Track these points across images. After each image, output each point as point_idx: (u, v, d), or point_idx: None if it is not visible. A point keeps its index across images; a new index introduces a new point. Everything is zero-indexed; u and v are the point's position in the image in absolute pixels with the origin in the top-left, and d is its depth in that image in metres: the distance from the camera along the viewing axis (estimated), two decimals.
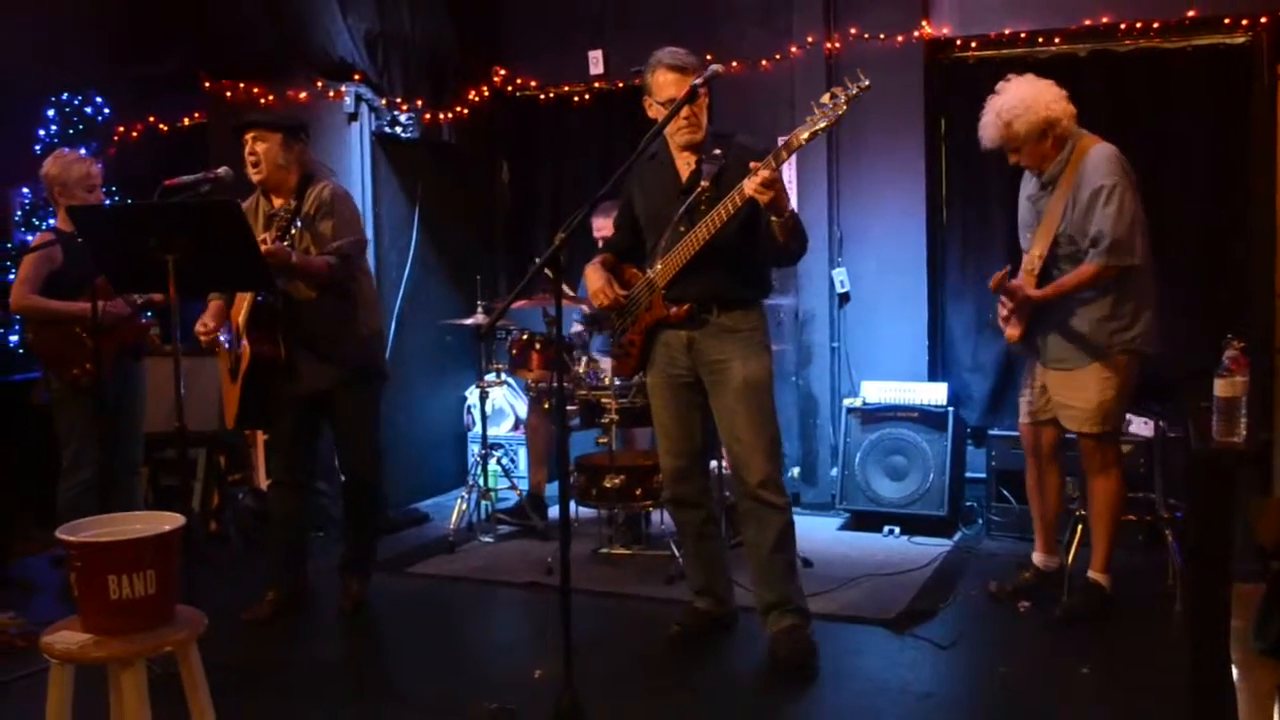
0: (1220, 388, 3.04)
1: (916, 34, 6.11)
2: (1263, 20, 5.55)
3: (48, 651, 2.81)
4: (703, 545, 4.36)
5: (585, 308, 5.98)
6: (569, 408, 5.45)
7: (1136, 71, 5.88)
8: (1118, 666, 3.98)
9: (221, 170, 4.48)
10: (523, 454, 6.69)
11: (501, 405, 7.04)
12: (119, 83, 7.20)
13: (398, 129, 6.43)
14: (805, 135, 3.63)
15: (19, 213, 6.96)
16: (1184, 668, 3.24)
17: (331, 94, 6.19)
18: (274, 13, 6.03)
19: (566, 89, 7.18)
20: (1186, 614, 4.20)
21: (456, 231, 7.09)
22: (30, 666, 3.87)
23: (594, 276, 4.20)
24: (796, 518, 4.18)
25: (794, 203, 3.93)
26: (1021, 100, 4.23)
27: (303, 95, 6.21)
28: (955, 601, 4.74)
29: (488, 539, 5.90)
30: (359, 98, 6.21)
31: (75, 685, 2.88)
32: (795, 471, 6.42)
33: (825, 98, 3.62)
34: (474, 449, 6.52)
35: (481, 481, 6.03)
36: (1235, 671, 2.90)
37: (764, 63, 6.47)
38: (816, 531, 5.84)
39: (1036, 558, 4.71)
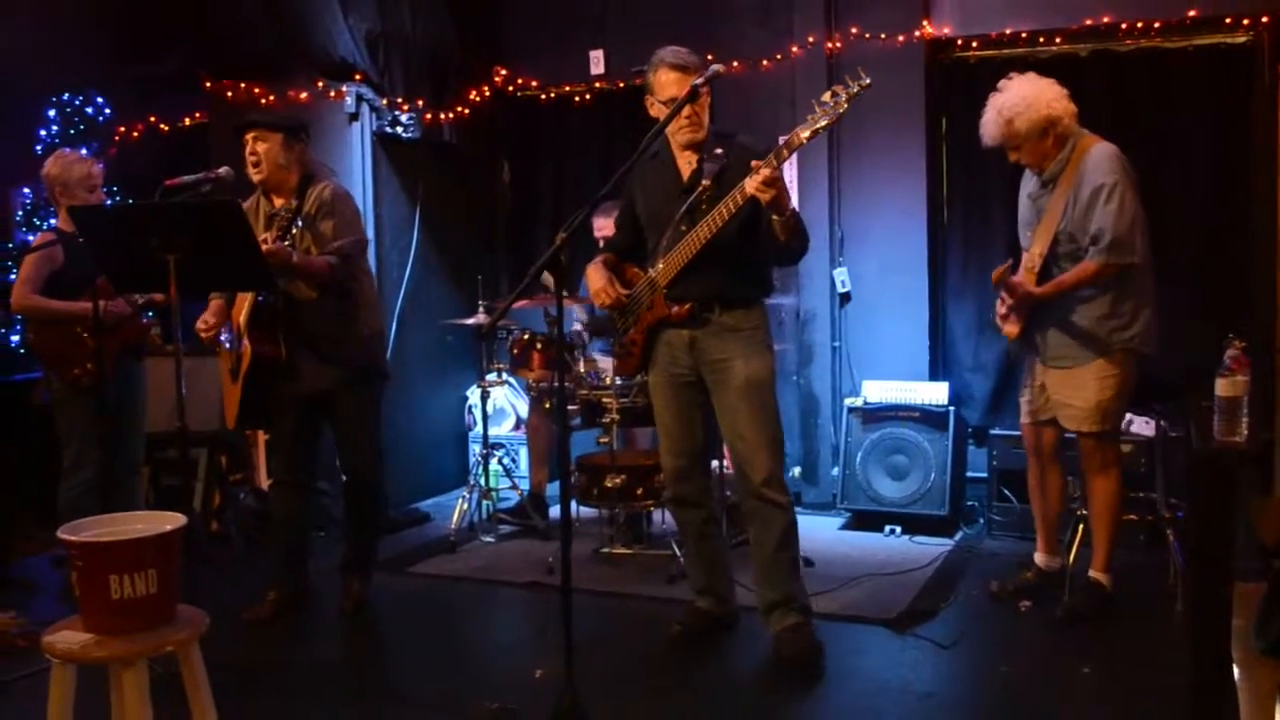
0: (1222, 387, 3.04)
1: (917, 34, 6.11)
2: (1264, 20, 5.55)
3: (49, 651, 2.82)
4: (704, 545, 4.36)
5: (582, 319, 5.99)
6: (570, 407, 5.45)
7: (1137, 71, 5.88)
8: (1119, 666, 3.98)
9: (222, 170, 4.49)
10: (524, 454, 6.69)
11: (503, 405, 7.04)
12: (120, 83, 7.20)
13: (399, 129, 6.43)
14: (806, 134, 3.63)
15: (20, 213, 6.97)
16: (1185, 667, 3.24)
17: (332, 94, 6.19)
18: (275, 13, 6.03)
19: (567, 89, 7.18)
20: (1188, 613, 4.20)
21: (457, 231, 7.09)
22: (32, 666, 3.86)
23: (595, 276, 4.20)
24: (797, 517, 4.17)
25: (795, 202, 3.93)
26: (1023, 98, 4.24)
27: (304, 95, 6.21)
28: (956, 601, 4.74)
29: (489, 539, 5.90)
30: (360, 98, 6.21)
31: (77, 685, 2.88)
32: (796, 471, 6.42)
33: (826, 96, 3.62)
34: (475, 449, 6.52)
35: (483, 481, 6.03)
36: (1236, 671, 2.90)
37: (765, 62, 6.47)
38: (817, 531, 5.83)
39: (1038, 558, 4.71)
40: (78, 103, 6.97)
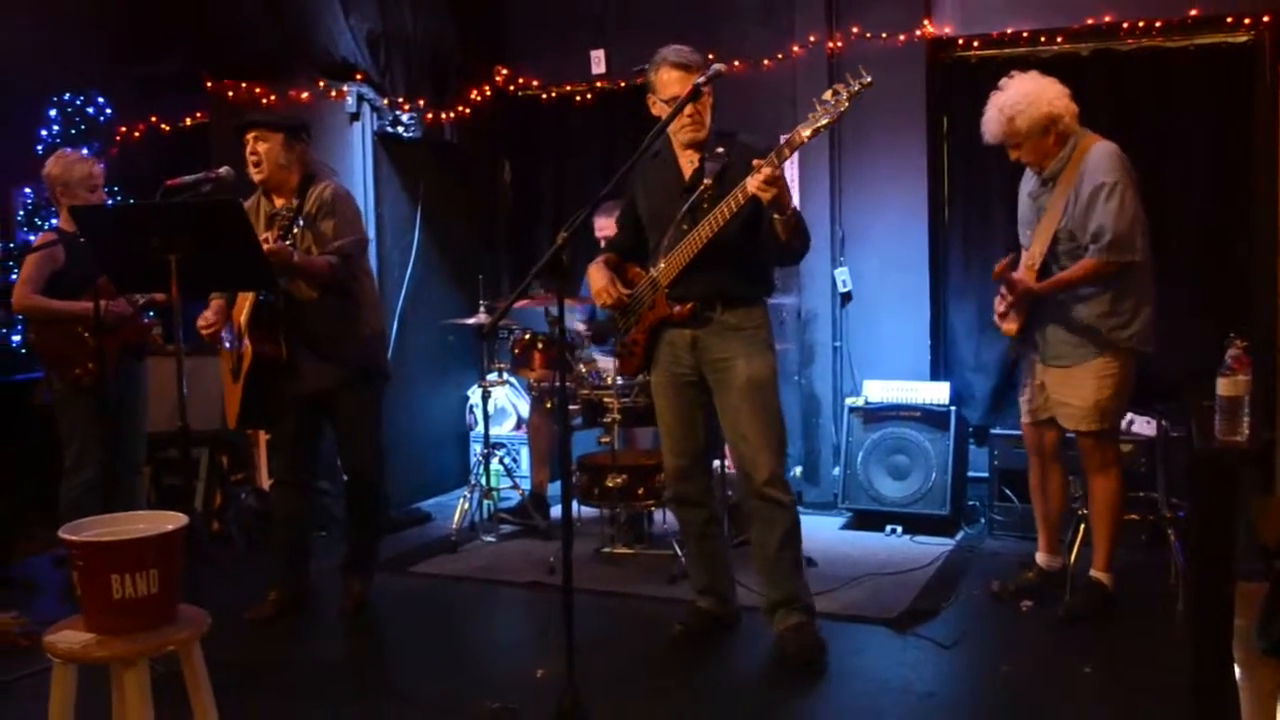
0: (1223, 387, 3.04)
1: (918, 33, 6.11)
2: (1265, 19, 5.55)
3: (50, 651, 2.82)
4: (705, 545, 4.36)
5: (583, 324, 5.98)
6: (571, 407, 5.45)
7: (1139, 70, 5.88)
8: (1120, 666, 3.98)
9: (223, 170, 4.49)
10: (525, 453, 6.69)
11: (504, 405, 7.04)
12: (121, 83, 7.20)
13: (400, 129, 6.43)
14: (808, 132, 3.63)
15: (21, 212, 6.97)
16: (1187, 667, 3.24)
17: (334, 94, 6.19)
18: (276, 12, 6.04)
19: (568, 88, 7.18)
20: (1189, 613, 4.20)
21: (459, 231, 7.09)
22: (33, 666, 3.87)
23: (597, 276, 4.20)
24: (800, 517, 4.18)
25: (796, 201, 3.93)
26: (1025, 96, 4.24)
27: (305, 95, 6.21)
28: (957, 601, 4.74)
29: (490, 538, 5.90)
30: (361, 97, 6.21)
31: (78, 685, 2.88)
32: (798, 471, 6.41)
33: (828, 94, 3.62)
34: (476, 448, 6.52)
35: (484, 481, 6.03)
36: (1238, 671, 2.90)
37: (766, 62, 6.47)
38: (819, 531, 5.83)
39: (1040, 557, 4.71)
40: (79, 102, 6.96)
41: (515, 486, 6.28)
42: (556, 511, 6.01)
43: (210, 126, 6.66)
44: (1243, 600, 3.00)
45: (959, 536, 5.73)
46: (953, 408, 5.87)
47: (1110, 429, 4.37)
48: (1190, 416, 3.46)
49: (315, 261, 4.42)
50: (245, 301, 4.50)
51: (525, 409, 6.85)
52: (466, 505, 5.99)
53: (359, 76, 6.19)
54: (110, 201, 5.64)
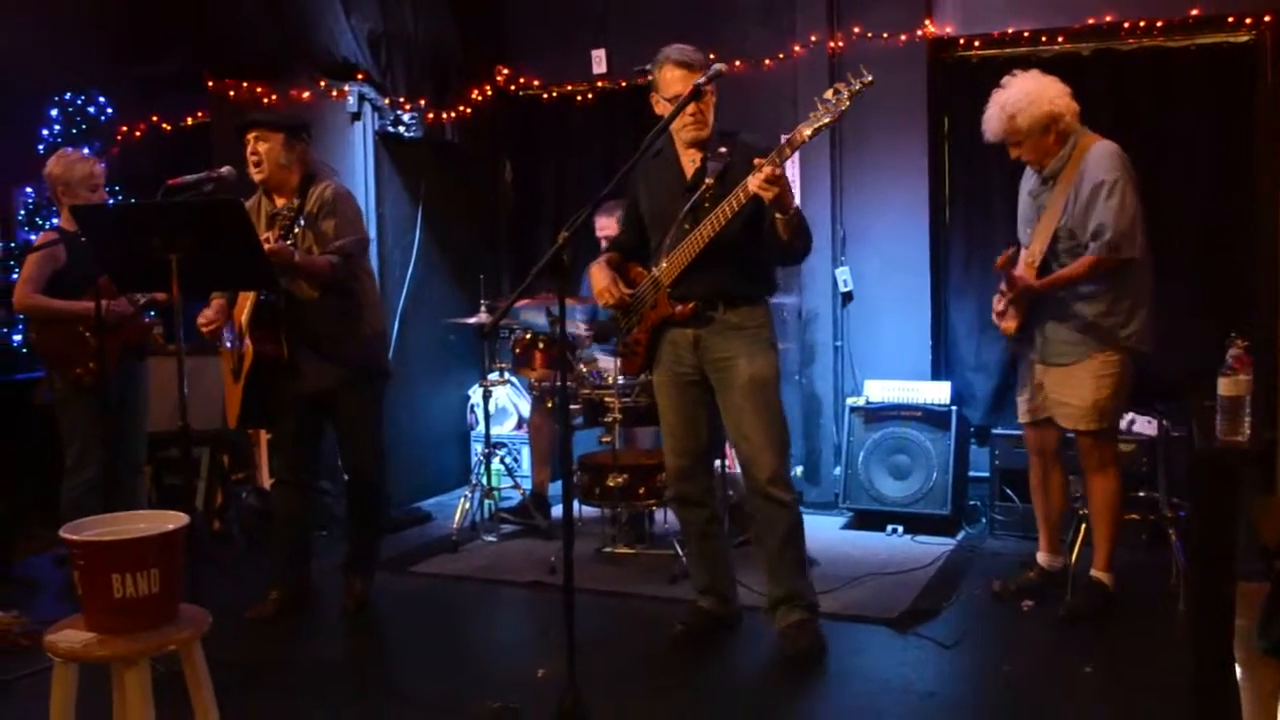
0: (1224, 386, 3.04)
1: (920, 33, 6.11)
2: (1266, 19, 5.54)
3: (51, 650, 2.82)
4: (706, 544, 4.36)
5: (584, 324, 5.98)
6: (572, 407, 5.45)
7: (1140, 70, 5.87)
8: (1121, 666, 3.98)
9: (225, 170, 4.49)
10: (526, 453, 6.69)
11: (505, 404, 7.04)
12: (122, 82, 7.20)
13: (401, 128, 6.44)
14: (809, 131, 3.63)
15: (22, 212, 6.97)
16: (1187, 667, 3.24)
17: (335, 93, 6.19)
18: (277, 12, 6.04)
19: (569, 88, 7.18)
20: (1190, 613, 4.19)
21: (460, 230, 7.09)
22: (34, 665, 3.86)
23: (599, 275, 4.20)
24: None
25: (797, 200, 3.92)
26: (1026, 94, 4.25)
27: (306, 95, 6.21)
28: (958, 601, 4.74)
29: (491, 538, 5.90)
30: (362, 97, 6.22)
31: (79, 684, 2.88)
32: (799, 470, 6.41)
33: (829, 93, 3.63)
34: (477, 448, 6.52)
35: (485, 480, 6.03)
36: (1239, 671, 2.90)
37: (767, 62, 6.47)
38: (820, 530, 5.83)
39: (1041, 557, 4.71)
40: (80, 102, 6.97)
41: (516, 486, 6.28)
42: (557, 511, 6.01)
43: (211, 126, 6.66)
44: (1243, 600, 3.00)
45: (960, 536, 5.73)
46: (954, 407, 5.87)
47: (1109, 428, 4.37)
48: (1191, 416, 3.46)
49: (316, 261, 4.42)
50: (246, 301, 4.49)
51: (526, 408, 6.84)
52: (467, 505, 5.99)
53: (360, 76, 6.19)
54: (111, 201, 5.64)
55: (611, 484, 5.29)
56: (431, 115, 6.67)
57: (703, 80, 3.72)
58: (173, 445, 5.75)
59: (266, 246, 4.11)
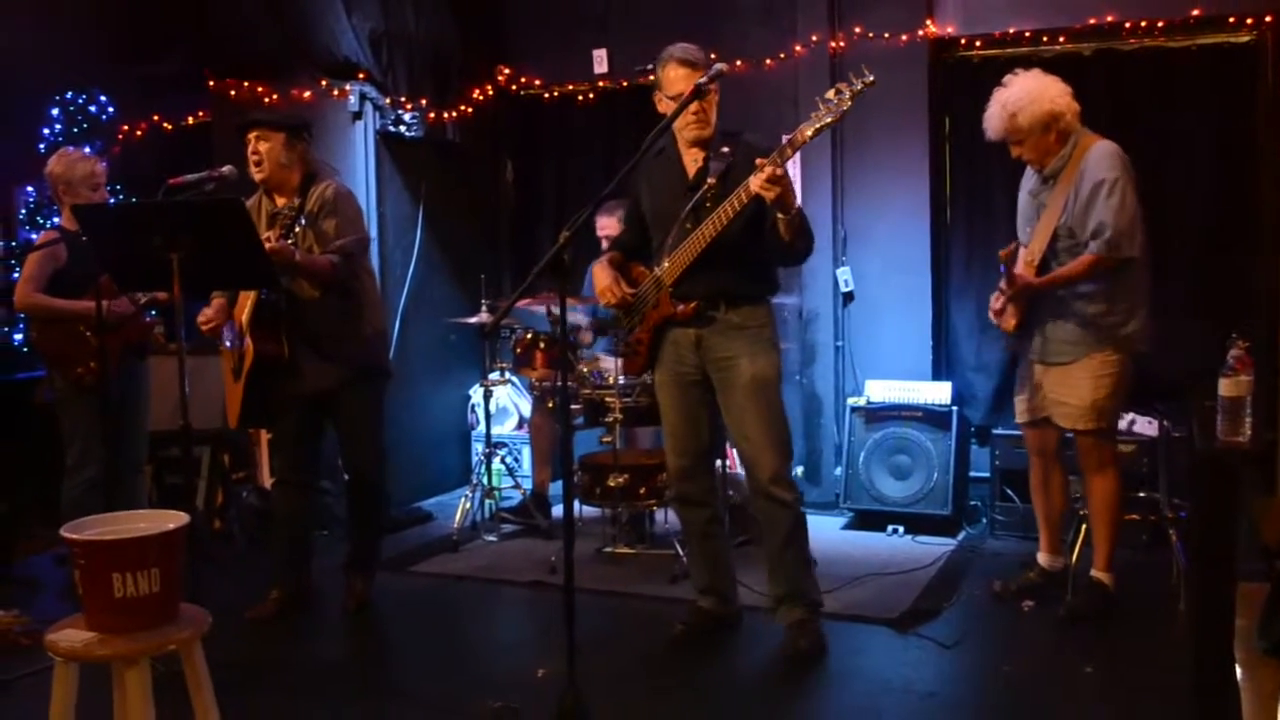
0: (1225, 387, 3.04)
1: (921, 33, 6.11)
2: (1267, 19, 5.54)
3: (52, 650, 2.81)
4: (707, 544, 4.36)
5: (584, 318, 5.98)
6: (573, 407, 5.45)
7: (1141, 70, 5.87)
8: (1121, 666, 3.98)
9: (226, 169, 4.49)
10: (526, 453, 6.69)
11: (505, 404, 7.04)
12: (123, 81, 7.21)
13: (402, 128, 6.44)
14: (811, 131, 3.63)
15: (23, 211, 6.98)
16: (1188, 667, 3.24)
17: (336, 93, 6.20)
18: (278, 12, 6.04)
19: (571, 88, 7.18)
20: (1190, 613, 4.19)
21: (461, 230, 7.10)
22: (34, 665, 3.86)
23: (601, 275, 4.20)
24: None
25: (799, 200, 3.92)
26: (1027, 93, 4.25)
27: (307, 94, 6.22)
28: (959, 601, 4.74)
29: (491, 538, 5.90)
30: (363, 96, 6.22)
31: (79, 683, 2.88)
32: (799, 470, 6.41)
33: (830, 93, 3.63)
34: (478, 448, 6.52)
35: (485, 480, 6.03)
36: (1239, 671, 2.90)
37: (768, 62, 6.47)
38: (820, 531, 5.80)
39: (1041, 558, 4.71)
40: (81, 101, 6.97)
41: (517, 486, 6.29)
42: (558, 511, 6.01)
43: (213, 125, 6.66)
44: (1244, 600, 3.00)
45: (960, 536, 5.73)
46: (954, 408, 5.87)
47: (1107, 428, 4.37)
48: (1192, 417, 3.45)
49: (317, 260, 4.42)
50: (247, 300, 4.49)
51: (527, 408, 6.85)
52: (468, 504, 5.99)
53: (361, 76, 6.19)
54: (112, 200, 5.64)
55: (612, 484, 5.29)
56: (433, 115, 6.67)
57: (703, 80, 3.73)
58: (173, 444, 5.76)
59: (267, 246, 4.11)
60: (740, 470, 5.02)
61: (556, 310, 4.33)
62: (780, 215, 3.75)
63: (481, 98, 7.12)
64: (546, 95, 7.28)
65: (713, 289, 4.03)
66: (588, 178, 7.10)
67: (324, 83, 6.19)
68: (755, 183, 3.65)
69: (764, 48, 6.48)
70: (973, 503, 6.02)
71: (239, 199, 4.09)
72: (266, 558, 5.14)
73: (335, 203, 4.54)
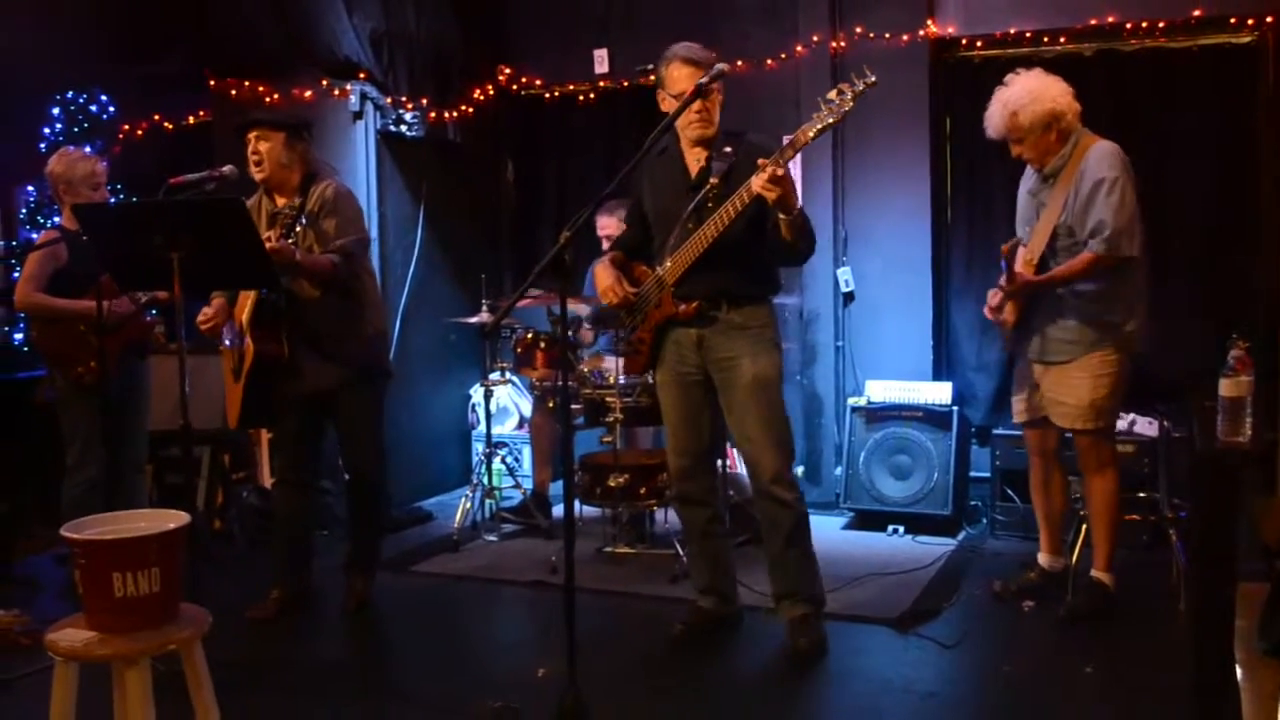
0: (1225, 387, 3.04)
1: (922, 33, 6.11)
2: (1269, 20, 5.54)
3: (52, 649, 2.82)
4: (708, 544, 4.36)
5: (587, 324, 5.98)
6: (573, 406, 5.45)
7: (1142, 71, 5.87)
8: (1121, 666, 3.98)
9: (227, 169, 4.49)
10: (527, 452, 6.69)
11: (506, 404, 7.04)
12: (124, 81, 7.21)
13: (403, 127, 6.44)
14: (813, 132, 3.64)
15: (24, 210, 6.98)
16: (1188, 667, 3.24)
17: (337, 92, 6.20)
18: (279, 11, 6.04)
19: (571, 88, 7.18)
20: (1190, 614, 4.19)
21: (461, 230, 7.10)
22: (35, 664, 3.86)
23: (603, 274, 4.20)
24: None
25: (800, 201, 3.92)
26: (1029, 91, 4.26)
27: (308, 94, 6.22)
28: (959, 601, 4.74)
29: (492, 538, 5.90)
30: (364, 96, 6.22)
31: (80, 683, 2.88)
32: (800, 470, 6.41)
33: (832, 94, 3.63)
34: (478, 447, 6.52)
35: (486, 480, 6.03)
36: (1239, 671, 2.90)
37: (769, 62, 6.46)
38: (820, 531, 5.74)
39: (1042, 558, 4.71)
40: (81, 100, 6.97)
41: (517, 486, 6.29)
42: (558, 511, 6.01)
43: (213, 125, 6.66)
44: (1244, 601, 3.00)
45: (961, 536, 5.73)
46: (955, 408, 5.87)
47: (1106, 428, 4.37)
48: (1193, 417, 3.45)
49: (318, 260, 4.42)
50: (247, 300, 4.49)
51: (527, 408, 6.85)
52: (468, 504, 5.99)
53: (362, 75, 6.19)
54: (113, 199, 5.64)
55: (612, 484, 5.29)
56: (433, 114, 6.67)
57: (704, 80, 3.72)
58: (173, 444, 5.76)
59: (268, 245, 4.11)
60: (741, 470, 5.04)
61: (556, 310, 4.32)
62: (782, 216, 3.75)
63: (482, 98, 7.12)
64: (547, 95, 7.28)
65: (715, 289, 4.03)
66: (588, 178, 7.10)
67: (325, 82, 6.19)
68: (757, 183, 3.65)
69: (765, 48, 6.48)
70: (973, 503, 6.02)
71: (239, 199, 4.09)
72: (266, 558, 5.14)
73: (335, 202, 4.54)
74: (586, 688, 3.37)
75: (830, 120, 3.62)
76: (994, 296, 4.51)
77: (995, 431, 5.84)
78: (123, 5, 7.08)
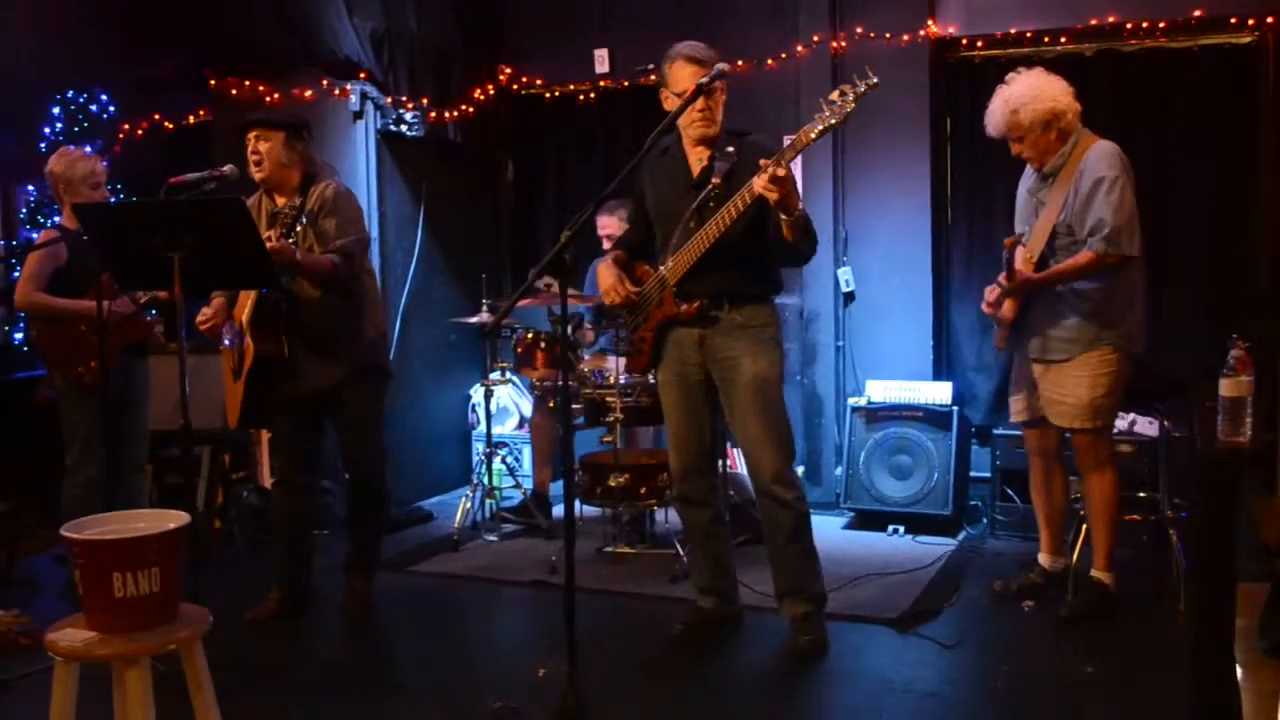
0: (1225, 387, 3.04)
1: (922, 33, 6.11)
2: (1269, 20, 5.54)
3: (52, 649, 2.81)
4: (709, 544, 4.36)
5: (588, 324, 5.98)
6: (574, 406, 5.45)
7: (1142, 71, 5.88)
8: (1122, 666, 3.98)
9: (227, 168, 4.48)
10: (527, 452, 6.69)
11: (506, 403, 7.04)
12: (124, 80, 7.21)
13: (403, 127, 6.44)
14: (815, 133, 3.63)
15: (24, 210, 6.98)
16: (1188, 667, 3.23)
17: (337, 92, 6.20)
18: (279, 11, 6.04)
19: (572, 87, 7.18)
20: (1190, 614, 4.19)
21: (462, 230, 7.09)
22: (34, 665, 3.87)
23: (605, 274, 4.20)
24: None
25: (801, 202, 3.92)
26: (1030, 90, 4.27)
27: (308, 93, 6.22)
28: (959, 601, 4.74)
29: (492, 537, 5.90)
30: (364, 96, 6.22)
31: (79, 683, 2.88)
32: (800, 470, 6.40)
33: (834, 95, 3.63)
34: (478, 447, 6.52)
35: (486, 480, 6.03)
36: (1239, 671, 2.90)
37: (770, 62, 6.46)
38: (821, 530, 5.70)
39: (1042, 558, 4.71)
40: (82, 100, 6.97)
41: (517, 485, 6.29)
42: (558, 511, 6.01)
43: (214, 124, 6.65)
44: (1244, 601, 3.00)
45: (961, 536, 5.73)
46: (955, 408, 5.87)
47: (1104, 427, 4.38)
48: (1193, 417, 3.45)
49: (318, 260, 4.42)
50: (247, 300, 4.49)
51: (528, 408, 6.85)
52: (469, 504, 5.99)
53: (362, 75, 6.19)
54: (113, 199, 5.64)
55: (613, 484, 5.29)
56: (434, 114, 6.67)
57: (705, 80, 3.72)
58: (173, 444, 5.76)
59: (268, 245, 4.11)
60: (741, 470, 5.04)
61: (557, 310, 4.32)
62: (784, 217, 3.74)
63: (482, 97, 7.12)
64: (547, 95, 7.27)
65: (716, 288, 4.03)
66: (589, 177, 7.10)
67: (325, 82, 6.19)
68: (758, 184, 3.65)
69: (765, 48, 6.48)
70: (973, 503, 6.02)
71: (240, 198, 4.08)
72: (266, 558, 5.13)
73: (335, 202, 4.54)
74: (586, 687, 3.37)
75: (832, 121, 3.62)
76: (991, 292, 4.51)
77: (995, 431, 5.83)
78: (123, 5, 7.08)
